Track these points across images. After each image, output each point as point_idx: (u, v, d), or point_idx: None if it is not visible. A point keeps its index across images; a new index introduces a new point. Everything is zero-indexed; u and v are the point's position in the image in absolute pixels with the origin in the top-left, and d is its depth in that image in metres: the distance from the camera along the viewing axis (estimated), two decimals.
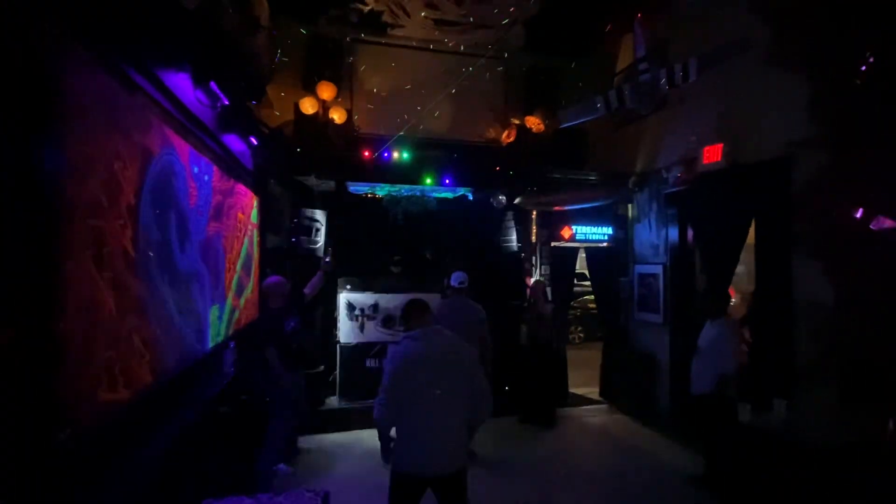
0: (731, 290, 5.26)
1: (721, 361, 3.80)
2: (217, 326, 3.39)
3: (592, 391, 6.59)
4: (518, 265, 6.13)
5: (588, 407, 6.23)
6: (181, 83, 2.60)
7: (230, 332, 3.76)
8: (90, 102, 1.72)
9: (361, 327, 5.49)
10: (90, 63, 1.73)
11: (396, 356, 2.46)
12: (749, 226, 4.50)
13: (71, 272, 1.58)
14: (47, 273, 1.45)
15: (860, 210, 3.43)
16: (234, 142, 3.89)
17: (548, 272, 6.11)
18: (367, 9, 5.74)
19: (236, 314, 3.98)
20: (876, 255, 3.36)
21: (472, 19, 5.97)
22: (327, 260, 4.68)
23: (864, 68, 3.38)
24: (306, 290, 4.40)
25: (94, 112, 1.75)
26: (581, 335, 10.62)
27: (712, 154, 4.76)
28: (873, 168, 3.37)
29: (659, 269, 5.60)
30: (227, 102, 3.03)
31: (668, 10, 5.34)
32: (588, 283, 10.61)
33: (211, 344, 3.24)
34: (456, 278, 4.52)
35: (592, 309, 9.93)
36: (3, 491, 1.27)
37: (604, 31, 5.39)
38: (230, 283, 3.76)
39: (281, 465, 4.04)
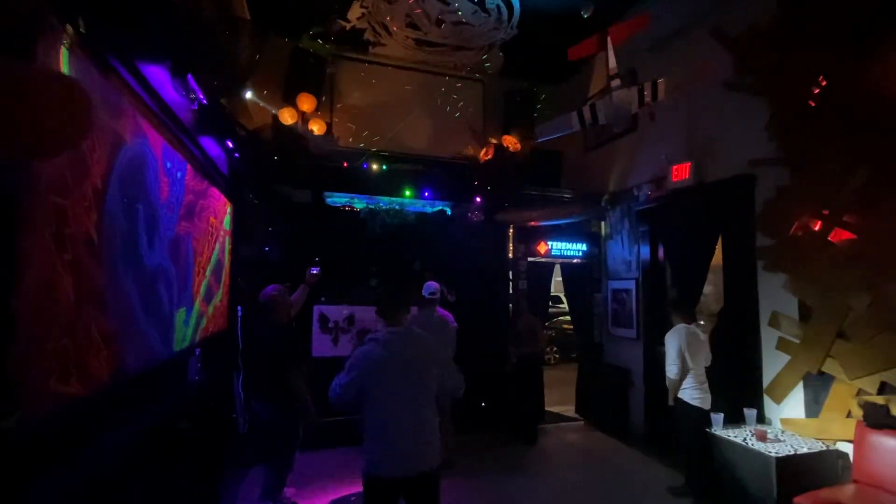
0: None
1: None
2: (183, 331, 3.23)
3: (568, 409, 6.57)
4: (498, 279, 6.15)
5: (564, 424, 6.19)
6: (158, 75, 2.56)
7: (197, 338, 3.59)
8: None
9: (335, 340, 5.34)
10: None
11: (360, 358, 2.40)
12: (716, 240, 4.67)
13: (29, 247, 1.48)
14: (5, 243, 1.36)
15: (818, 223, 3.62)
16: (210, 145, 3.82)
17: (525, 286, 6.14)
18: (349, 26, 5.85)
19: (203, 321, 3.81)
20: (833, 266, 3.52)
21: (451, 41, 6.15)
22: (313, 272, 4.11)
23: (816, 91, 3.63)
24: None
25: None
26: (556, 356, 10.67)
27: (680, 172, 4.96)
28: (827, 183, 3.57)
29: (632, 285, 5.71)
30: (203, 100, 2.99)
31: (635, 41, 5.65)
32: (563, 305, 10.79)
33: (176, 349, 3.08)
34: (427, 289, 4.45)
35: (568, 330, 10.01)
36: None
37: (576, 60, 5.53)
38: (199, 287, 3.62)
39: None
